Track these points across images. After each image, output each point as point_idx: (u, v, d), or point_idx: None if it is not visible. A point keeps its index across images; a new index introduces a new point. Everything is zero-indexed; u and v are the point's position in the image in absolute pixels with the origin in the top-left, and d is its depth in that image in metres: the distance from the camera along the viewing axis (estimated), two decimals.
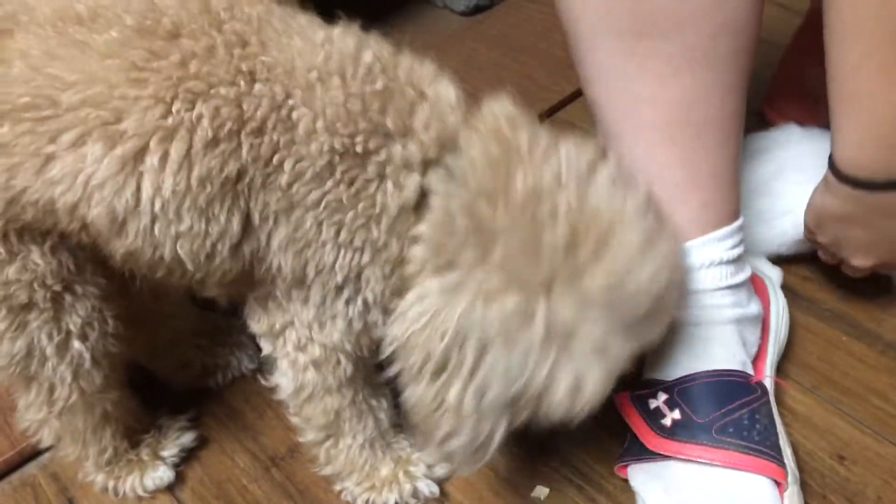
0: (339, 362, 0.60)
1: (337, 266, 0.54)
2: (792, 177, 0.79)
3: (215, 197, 0.51)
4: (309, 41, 0.53)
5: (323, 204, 0.52)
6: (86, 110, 0.49)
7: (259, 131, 0.50)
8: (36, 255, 0.56)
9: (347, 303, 0.56)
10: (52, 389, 0.62)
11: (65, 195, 0.51)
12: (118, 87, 0.49)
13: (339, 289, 0.55)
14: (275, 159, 0.51)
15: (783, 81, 1.02)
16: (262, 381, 0.64)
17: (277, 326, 0.59)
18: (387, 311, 0.57)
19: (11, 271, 0.55)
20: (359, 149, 0.52)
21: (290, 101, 0.51)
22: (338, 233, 0.53)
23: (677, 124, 0.66)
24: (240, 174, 0.51)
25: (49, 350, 0.59)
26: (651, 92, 0.65)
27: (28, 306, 0.57)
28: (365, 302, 0.56)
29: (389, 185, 0.53)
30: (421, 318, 0.52)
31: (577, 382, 0.51)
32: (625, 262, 0.51)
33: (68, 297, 0.59)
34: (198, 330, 0.82)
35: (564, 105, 1.15)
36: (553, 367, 0.51)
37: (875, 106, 0.61)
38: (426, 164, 0.54)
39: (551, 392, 0.52)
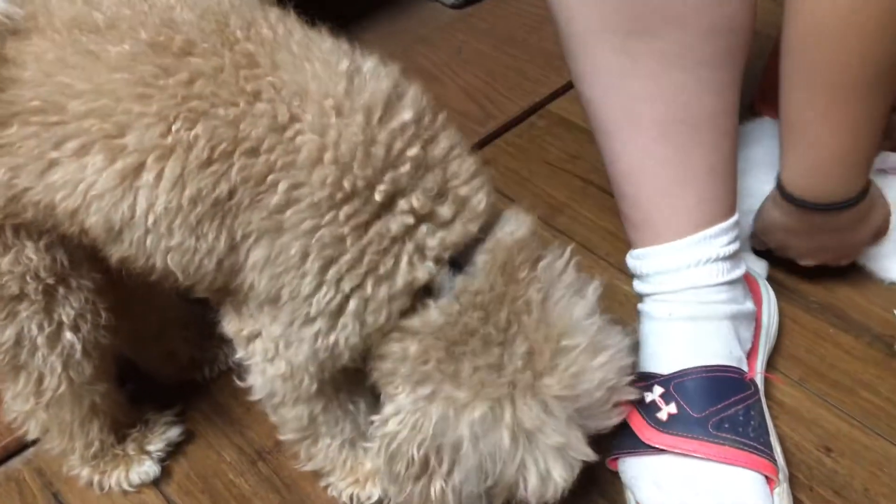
0: (303, 380, 0.61)
1: (314, 299, 0.54)
2: (761, 176, 0.80)
3: (205, 216, 0.51)
4: (329, 68, 0.52)
5: (316, 236, 0.51)
6: (91, 121, 0.50)
7: (254, 151, 0.50)
8: (30, 251, 0.57)
9: (316, 336, 0.56)
10: (40, 379, 0.63)
11: (65, 201, 0.52)
12: (124, 102, 0.50)
13: (311, 320, 0.55)
14: (268, 179, 0.50)
15: (774, 74, 1.02)
16: (238, 382, 0.64)
17: (245, 333, 0.60)
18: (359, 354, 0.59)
19: (4, 263, 0.56)
20: (378, 198, 0.51)
21: (297, 125, 0.50)
22: (324, 268, 0.52)
23: (672, 122, 0.67)
24: (230, 194, 0.51)
25: (39, 340, 0.60)
26: (646, 90, 0.66)
27: (19, 297, 0.58)
28: (336, 342, 0.56)
29: (405, 256, 0.53)
30: (401, 431, 0.56)
31: (545, 474, 0.56)
32: (576, 366, 0.56)
33: (62, 290, 0.60)
34: (185, 322, 0.82)
35: (555, 98, 1.16)
36: (521, 462, 0.56)
37: (815, 144, 0.68)
38: (438, 261, 0.55)
39: (524, 482, 0.57)
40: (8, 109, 0.50)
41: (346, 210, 0.51)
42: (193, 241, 0.52)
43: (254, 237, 0.52)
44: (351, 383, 0.65)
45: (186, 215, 0.51)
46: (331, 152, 0.50)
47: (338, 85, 0.51)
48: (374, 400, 0.67)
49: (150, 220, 0.51)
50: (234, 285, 0.56)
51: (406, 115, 0.52)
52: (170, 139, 0.49)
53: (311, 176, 0.50)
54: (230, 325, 0.61)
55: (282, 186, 0.50)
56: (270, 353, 0.59)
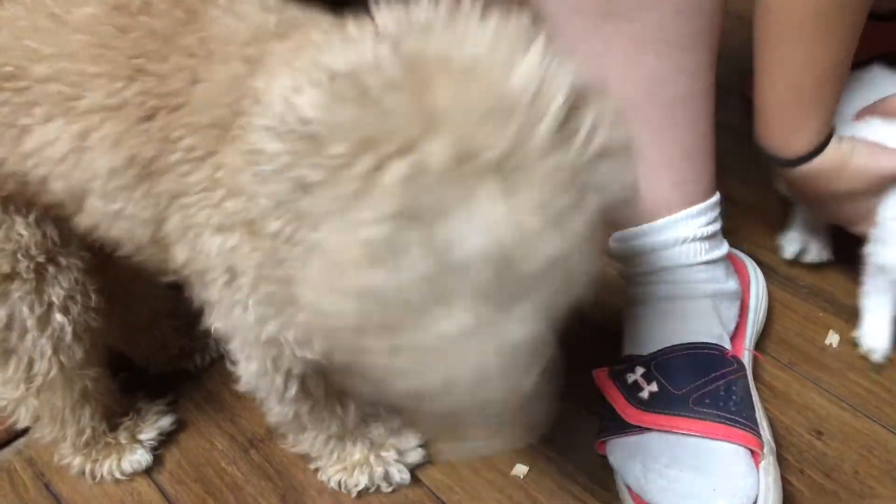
0: (274, 380, 0.60)
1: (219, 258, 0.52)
2: None
3: (138, 178, 0.51)
4: (241, 19, 0.51)
5: (202, 185, 0.50)
6: (53, 85, 0.50)
7: (176, 108, 0.50)
8: (20, 226, 0.57)
9: (245, 309, 0.53)
10: (31, 364, 0.63)
11: (36, 169, 0.52)
12: (80, 63, 0.50)
13: (229, 283, 0.53)
14: (174, 136, 0.50)
15: None
16: (231, 367, 0.63)
17: (216, 326, 0.58)
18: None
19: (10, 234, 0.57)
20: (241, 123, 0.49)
21: (203, 75, 0.50)
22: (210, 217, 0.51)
23: (647, 103, 0.68)
24: (154, 156, 0.51)
25: (30, 322, 0.60)
26: (619, 71, 0.67)
27: (10, 276, 0.59)
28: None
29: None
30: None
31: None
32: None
33: (52, 269, 0.60)
34: (175, 311, 0.82)
35: None
36: None
37: (766, 88, 0.67)
38: None
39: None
40: None
41: (219, 152, 0.49)
42: (132, 208, 0.52)
43: (171, 204, 0.52)
44: (338, 388, 0.65)
45: (124, 178, 0.51)
46: (213, 92, 0.49)
47: (242, 32, 0.51)
48: (365, 402, 0.68)
49: (98, 183, 0.51)
50: (176, 266, 0.55)
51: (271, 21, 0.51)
52: (115, 98, 0.50)
53: (200, 118, 0.49)
54: (207, 320, 0.59)
55: (184, 143, 0.50)
56: (246, 351, 0.59)
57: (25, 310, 0.60)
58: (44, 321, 0.61)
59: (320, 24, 0.51)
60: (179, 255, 0.53)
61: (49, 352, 0.62)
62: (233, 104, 0.49)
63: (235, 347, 0.60)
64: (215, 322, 0.58)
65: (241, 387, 0.63)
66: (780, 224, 0.90)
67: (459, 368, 0.40)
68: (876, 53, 0.81)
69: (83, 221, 0.55)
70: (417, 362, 0.40)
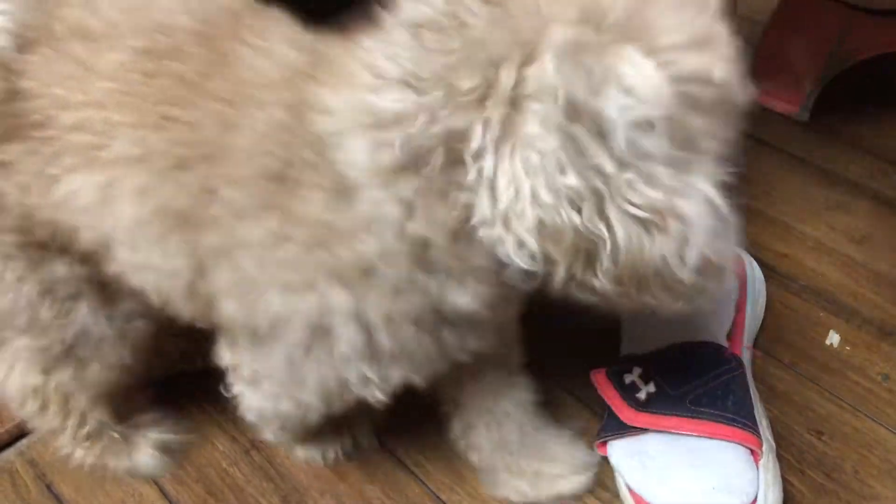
0: (307, 415, 0.59)
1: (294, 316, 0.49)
2: None
3: (168, 231, 0.50)
4: (271, 58, 0.49)
5: (259, 240, 0.48)
6: (79, 134, 0.49)
7: (207, 158, 0.48)
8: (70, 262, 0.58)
9: (320, 363, 0.52)
10: (85, 366, 0.64)
11: (65, 217, 0.52)
12: (106, 111, 0.49)
13: (307, 347, 0.51)
14: (211, 186, 0.48)
15: (765, 59, 1.04)
16: (224, 393, 0.63)
17: (246, 373, 0.58)
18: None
19: (58, 268, 0.57)
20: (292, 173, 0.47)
21: (238, 122, 0.47)
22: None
23: None
24: (189, 208, 0.49)
25: (107, 332, 0.62)
26: None
27: (74, 296, 0.59)
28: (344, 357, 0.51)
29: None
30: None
31: None
32: None
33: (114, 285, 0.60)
34: (172, 316, 0.82)
35: None
36: None
37: None
38: None
39: None
40: (13, 123, 0.50)
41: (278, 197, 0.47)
42: (160, 259, 0.51)
43: (216, 257, 0.50)
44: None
45: (152, 230, 0.50)
46: (254, 140, 0.47)
47: (273, 71, 0.49)
48: (366, 415, 0.69)
49: (123, 234, 0.51)
50: (219, 317, 0.53)
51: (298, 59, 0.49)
52: (139, 148, 0.48)
53: (242, 171, 0.47)
54: (225, 359, 0.59)
55: (225, 193, 0.47)
56: (276, 390, 0.57)
57: (91, 320, 0.61)
58: (119, 330, 0.63)
59: (350, 53, 0.48)
60: (228, 308, 0.52)
61: (123, 357, 0.65)
62: (281, 155, 0.46)
63: (264, 390, 0.58)
64: (255, 365, 0.56)
65: (247, 416, 0.63)
66: (780, 224, 0.91)
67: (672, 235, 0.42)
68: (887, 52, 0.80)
69: (113, 269, 0.54)
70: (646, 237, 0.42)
